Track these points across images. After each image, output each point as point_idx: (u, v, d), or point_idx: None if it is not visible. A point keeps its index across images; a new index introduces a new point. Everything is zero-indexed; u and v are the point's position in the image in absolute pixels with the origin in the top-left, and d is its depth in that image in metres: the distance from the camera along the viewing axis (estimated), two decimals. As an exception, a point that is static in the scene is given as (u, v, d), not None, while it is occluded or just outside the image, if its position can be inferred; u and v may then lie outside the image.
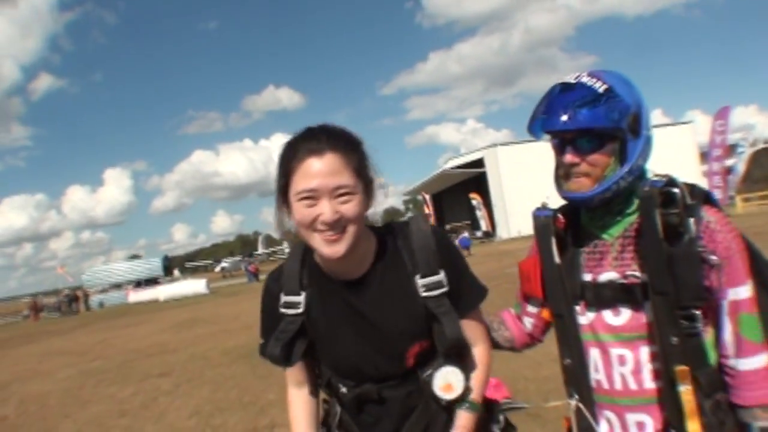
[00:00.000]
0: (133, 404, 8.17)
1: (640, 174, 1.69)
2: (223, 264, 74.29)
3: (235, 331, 14.63)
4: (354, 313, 1.67)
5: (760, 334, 1.62)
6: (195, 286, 39.25)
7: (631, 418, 1.71)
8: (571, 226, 1.84)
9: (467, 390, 1.71)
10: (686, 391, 1.57)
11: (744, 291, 1.62)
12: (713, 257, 1.59)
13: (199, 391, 8.43)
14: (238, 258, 73.48)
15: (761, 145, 39.21)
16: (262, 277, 46.37)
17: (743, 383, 1.62)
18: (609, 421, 1.75)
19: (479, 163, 54.78)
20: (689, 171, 40.65)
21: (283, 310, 1.71)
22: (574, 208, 1.85)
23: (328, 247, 1.55)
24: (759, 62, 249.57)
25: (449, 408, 1.72)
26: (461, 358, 1.74)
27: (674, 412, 1.60)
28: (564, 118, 1.63)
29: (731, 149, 30.03)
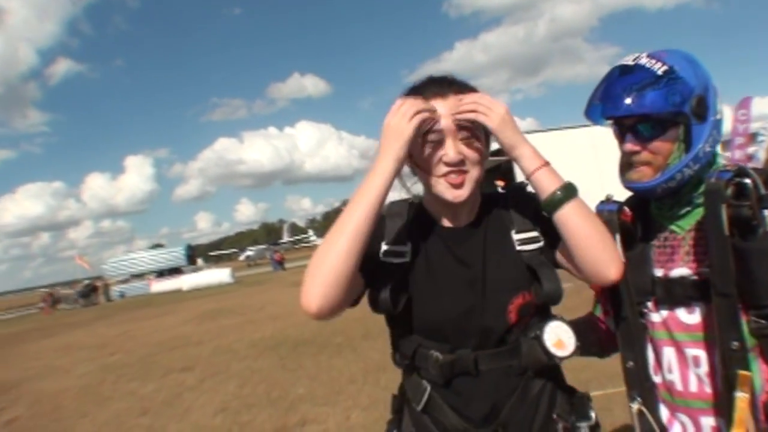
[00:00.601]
0: (155, 401, 7.83)
1: (709, 161, 1.61)
2: (248, 252, 74.79)
3: (262, 322, 14.31)
4: (458, 262, 1.65)
5: None
6: (219, 275, 38.96)
7: (706, 421, 1.63)
8: (639, 218, 1.77)
9: (578, 348, 1.60)
10: (742, 399, 1.46)
11: None
12: None
13: (225, 386, 8.12)
14: (263, 246, 73.81)
15: None
16: (288, 265, 46.48)
17: None
18: (683, 424, 1.69)
19: (498, 152, 54.41)
20: None
21: (385, 259, 1.65)
22: (641, 199, 1.77)
23: (451, 192, 1.58)
24: None
25: (551, 388, 1.67)
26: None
27: (726, 419, 1.51)
28: (621, 103, 1.56)
29: (752, 137, 30.75)
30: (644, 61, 1.58)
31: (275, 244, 67.53)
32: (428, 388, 1.63)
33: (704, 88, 1.56)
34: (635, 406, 1.71)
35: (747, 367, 1.48)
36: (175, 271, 49.50)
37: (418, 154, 1.60)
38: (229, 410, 6.79)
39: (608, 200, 1.78)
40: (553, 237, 1.61)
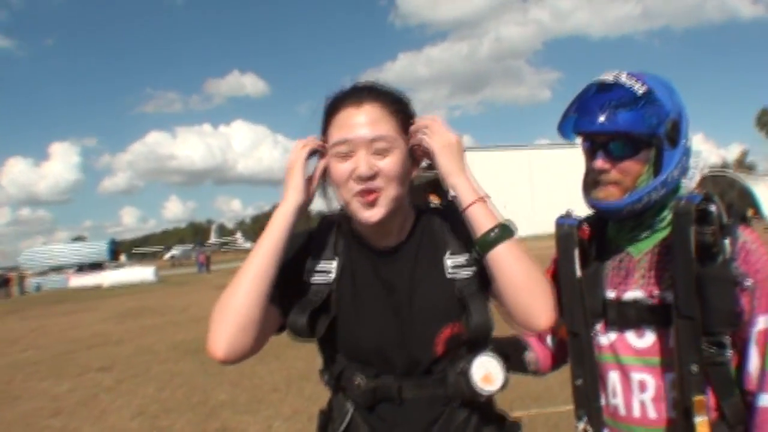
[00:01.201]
0: (69, 401, 7.56)
1: (674, 187, 1.61)
2: (174, 252, 73.33)
3: (184, 324, 14.04)
4: (384, 286, 1.56)
5: None
6: (142, 273, 38.05)
7: None
8: (596, 237, 1.74)
9: (506, 382, 1.51)
10: (702, 423, 1.48)
11: None
12: (748, 280, 1.49)
13: (144, 388, 7.92)
14: (189, 246, 72.48)
15: (706, 171, 41.80)
16: (215, 267, 45.76)
17: (762, 422, 1.52)
18: None
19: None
20: None
21: (309, 278, 1.56)
22: (601, 219, 1.74)
23: (363, 212, 1.46)
24: (706, 94, 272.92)
25: (478, 418, 1.56)
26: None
27: None
28: (598, 119, 1.54)
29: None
30: (624, 79, 1.57)
31: (202, 244, 66.43)
32: (350, 411, 1.56)
33: (679, 114, 1.57)
34: (581, 426, 1.70)
35: (703, 392, 1.50)
36: (96, 266, 47.98)
37: (332, 169, 1.51)
38: (147, 414, 6.63)
39: (568, 215, 1.76)
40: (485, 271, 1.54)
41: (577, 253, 1.67)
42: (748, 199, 49.67)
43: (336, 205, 1.62)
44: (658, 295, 1.60)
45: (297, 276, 1.56)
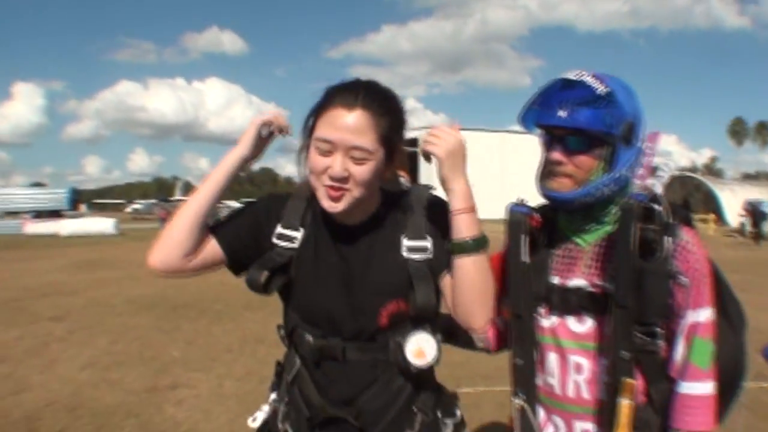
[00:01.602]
0: (17, 349, 7.41)
1: (625, 185, 1.70)
2: (136, 205, 72.27)
3: (142, 279, 13.71)
4: (341, 259, 1.72)
5: (708, 362, 1.64)
6: (102, 224, 37.14)
7: (579, 425, 1.74)
8: (546, 226, 1.83)
9: (438, 359, 1.72)
10: (626, 405, 1.60)
11: (704, 314, 1.65)
12: (683, 277, 1.62)
13: (97, 340, 7.83)
14: (152, 201, 71.41)
15: (676, 172, 42.56)
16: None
17: (681, 406, 1.65)
18: (556, 426, 1.79)
19: (413, 142, 54.74)
20: None
21: (276, 241, 1.72)
22: (553, 209, 1.83)
23: (327, 202, 1.61)
24: (684, 97, 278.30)
25: (414, 385, 1.74)
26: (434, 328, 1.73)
27: (609, 424, 1.63)
28: (560, 114, 1.63)
29: (653, 171, 32.50)
30: (588, 79, 1.64)
31: (165, 200, 65.31)
32: (298, 364, 1.75)
33: (635, 117, 1.66)
34: (518, 403, 1.79)
35: (632, 376, 1.61)
36: (54, 213, 46.86)
37: (311, 157, 1.63)
38: (98, 365, 6.59)
39: (521, 203, 1.84)
40: (441, 240, 1.71)
41: (525, 239, 1.75)
42: (712, 203, 50.69)
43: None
44: (600, 284, 1.70)
45: (264, 232, 1.74)
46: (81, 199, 68.81)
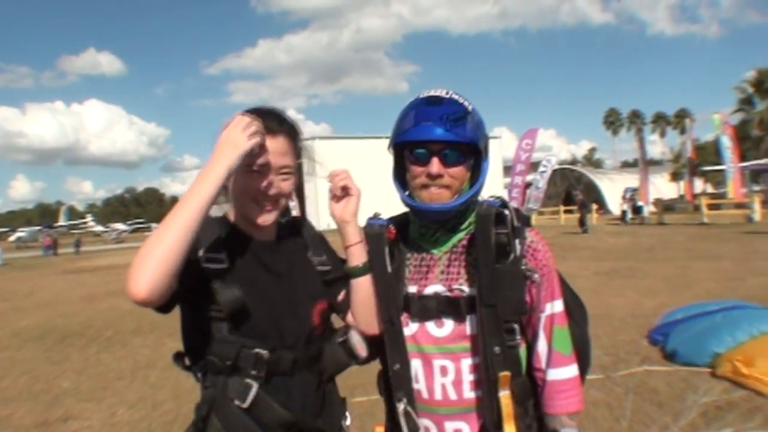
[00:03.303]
0: None
1: (479, 194, 1.85)
2: (19, 233, 68.69)
3: (28, 310, 13.43)
4: (267, 271, 1.86)
5: (569, 347, 1.82)
6: (-16, 255, 35.49)
7: (450, 426, 1.83)
8: (400, 237, 1.93)
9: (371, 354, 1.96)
10: (505, 396, 1.71)
11: (558, 305, 1.83)
12: (536, 275, 1.76)
13: (-18, 377, 7.58)
14: (36, 228, 68.10)
15: (557, 166, 44.00)
16: (62, 251, 43.43)
17: (552, 392, 1.80)
18: (427, 429, 1.85)
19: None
20: (494, 182, 44.08)
21: (206, 265, 1.71)
22: (405, 221, 1.96)
23: (261, 216, 1.81)
24: (559, 92, 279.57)
25: (334, 389, 1.98)
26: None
27: (492, 418, 1.73)
28: (439, 129, 1.70)
29: (533, 166, 33.35)
30: (455, 96, 1.77)
31: (50, 227, 62.58)
32: (255, 386, 1.72)
33: (485, 130, 1.82)
34: (401, 407, 1.84)
35: (505, 370, 1.72)
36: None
37: (240, 181, 1.76)
38: (-15, 403, 6.40)
39: (376, 216, 1.94)
40: (334, 260, 2.00)
41: (387, 250, 1.87)
42: (593, 193, 52.85)
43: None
44: (456, 288, 1.80)
45: (195, 260, 1.67)
46: (-40, 230, 64.96)
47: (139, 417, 5.68)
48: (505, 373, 1.71)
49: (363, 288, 1.90)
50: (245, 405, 1.71)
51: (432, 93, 1.80)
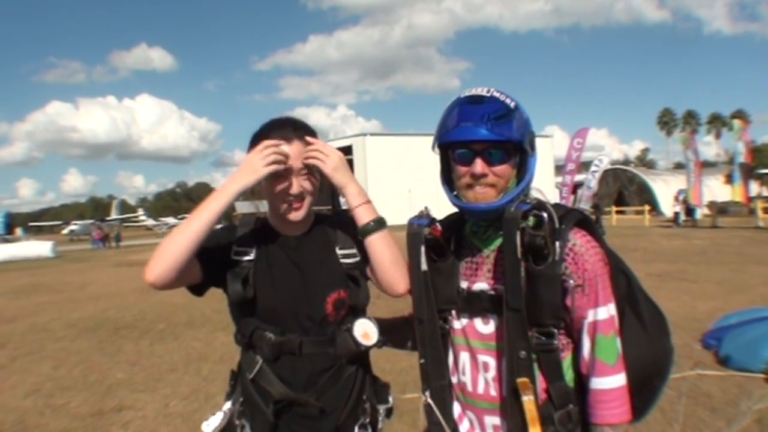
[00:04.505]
0: (-42, 379, 7.30)
1: (528, 190, 1.84)
2: (73, 226, 70.39)
3: (82, 302, 13.71)
4: (291, 263, 2.06)
5: (614, 357, 1.76)
6: (39, 248, 36.21)
7: (489, 420, 1.86)
8: (454, 234, 1.96)
9: (380, 341, 2.03)
10: (528, 401, 1.70)
11: (603, 312, 1.76)
12: (571, 280, 1.72)
13: (39, 366, 7.77)
14: (89, 221, 69.71)
15: (609, 166, 43.31)
16: (114, 244, 44.32)
17: (594, 401, 1.77)
18: (471, 421, 1.91)
19: (348, 150, 55.07)
20: (545, 181, 43.80)
21: (235, 257, 2.01)
22: (460, 218, 1.99)
23: (292, 214, 2.01)
24: (612, 91, 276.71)
25: (360, 373, 2.10)
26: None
27: (517, 420, 1.73)
28: (482, 129, 1.71)
29: (583, 166, 32.90)
30: (496, 94, 1.76)
31: (102, 220, 63.87)
32: (260, 362, 2.01)
33: (531, 126, 1.81)
34: (424, 399, 1.94)
35: (531, 375, 1.72)
36: (-11, 239, 45.64)
37: (269, 184, 1.98)
38: (42, 392, 6.56)
39: (422, 215, 1.96)
40: (365, 255, 2.04)
41: (423, 249, 1.89)
42: (646, 194, 51.99)
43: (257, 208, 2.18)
44: (498, 288, 1.81)
45: (224, 254, 2.01)
46: (16, 223, 66.82)
47: (192, 409, 5.74)
48: (522, 380, 1.71)
49: (378, 247, 1.98)
50: (251, 376, 2.02)
51: (473, 92, 1.80)
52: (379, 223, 2.00)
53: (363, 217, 1.99)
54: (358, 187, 2.02)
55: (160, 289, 1.86)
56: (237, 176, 1.91)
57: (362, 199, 2.01)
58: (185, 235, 1.84)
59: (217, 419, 2.09)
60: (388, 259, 1.98)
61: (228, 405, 2.11)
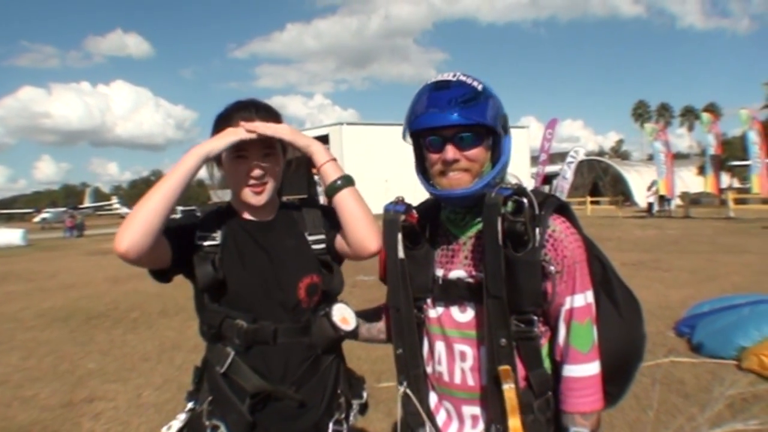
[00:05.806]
0: None
1: (505, 173, 1.81)
2: (44, 214, 69.38)
3: (53, 291, 13.47)
4: (259, 247, 1.99)
5: (589, 345, 1.75)
6: (9, 236, 35.52)
7: (467, 410, 1.84)
8: (429, 221, 1.91)
9: (359, 325, 2.02)
10: (509, 389, 1.67)
11: (579, 299, 1.75)
12: (552, 267, 1.70)
13: (8, 357, 7.61)
14: (62, 209, 68.69)
15: (584, 157, 43.83)
16: (88, 232, 43.75)
17: (566, 389, 1.76)
18: (448, 411, 1.89)
19: (324, 139, 54.89)
20: (521, 171, 44.65)
21: (200, 242, 1.93)
22: (434, 206, 1.94)
23: (254, 197, 1.96)
24: (587, 83, 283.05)
25: (336, 365, 2.06)
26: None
27: (497, 409, 1.71)
28: (452, 114, 1.68)
29: (561, 157, 33.30)
30: (463, 78, 1.74)
31: (75, 208, 62.96)
32: (232, 354, 1.90)
33: (503, 108, 1.77)
34: (401, 390, 1.90)
35: (512, 363, 1.69)
36: (-43, 227, 44.76)
37: (230, 168, 1.96)
38: (11, 383, 6.42)
39: (397, 201, 1.91)
40: (333, 230, 2.03)
41: (400, 236, 1.84)
42: (620, 185, 52.51)
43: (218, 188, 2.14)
44: (476, 275, 1.78)
45: (188, 238, 1.92)
46: (-15, 211, 65.67)
47: (164, 399, 5.67)
48: (504, 368, 1.68)
49: (347, 203, 1.94)
50: (222, 370, 1.90)
51: (439, 77, 1.78)
52: (347, 180, 1.96)
53: (330, 174, 1.96)
54: (322, 146, 1.99)
55: (133, 261, 1.72)
56: (205, 142, 1.88)
57: (328, 156, 1.98)
58: (155, 199, 1.75)
59: (178, 424, 1.97)
60: (357, 216, 1.93)
61: (190, 406, 2.00)
